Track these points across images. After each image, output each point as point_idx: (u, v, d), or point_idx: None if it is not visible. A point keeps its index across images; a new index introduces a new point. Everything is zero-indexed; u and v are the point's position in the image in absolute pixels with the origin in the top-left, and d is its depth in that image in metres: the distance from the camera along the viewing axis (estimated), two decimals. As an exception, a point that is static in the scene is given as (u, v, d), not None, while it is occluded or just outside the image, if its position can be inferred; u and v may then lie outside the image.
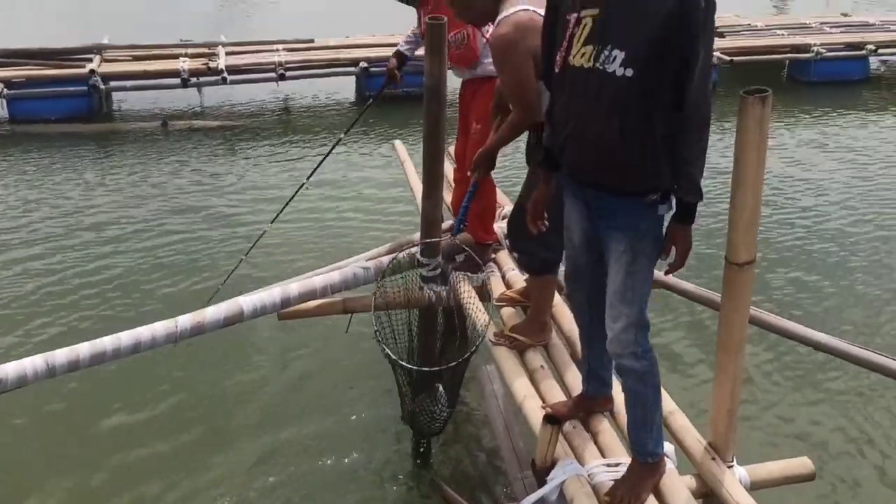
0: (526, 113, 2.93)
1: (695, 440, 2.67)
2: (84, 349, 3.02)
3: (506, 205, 4.49)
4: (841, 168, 8.00)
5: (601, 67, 2.20)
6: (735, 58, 10.12)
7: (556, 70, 2.34)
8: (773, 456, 3.21)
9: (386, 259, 3.75)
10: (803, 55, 10.61)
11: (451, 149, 5.14)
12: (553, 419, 2.47)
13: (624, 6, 2.18)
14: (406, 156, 5.54)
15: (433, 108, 3.38)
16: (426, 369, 3.25)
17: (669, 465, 2.57)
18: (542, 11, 2.81)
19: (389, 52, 9.96)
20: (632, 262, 2.34)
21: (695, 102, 2.16)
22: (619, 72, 2.17)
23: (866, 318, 5.32)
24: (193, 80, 9.53)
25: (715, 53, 10.24)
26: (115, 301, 5.45)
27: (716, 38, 11.91)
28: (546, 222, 2.67)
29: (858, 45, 10.89)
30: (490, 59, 3.83)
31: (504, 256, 4.05)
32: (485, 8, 2.97)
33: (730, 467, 2.57)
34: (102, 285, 5.66)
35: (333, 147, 4.78)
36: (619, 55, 2.17)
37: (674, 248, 2.34)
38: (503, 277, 3.86)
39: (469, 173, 3.37)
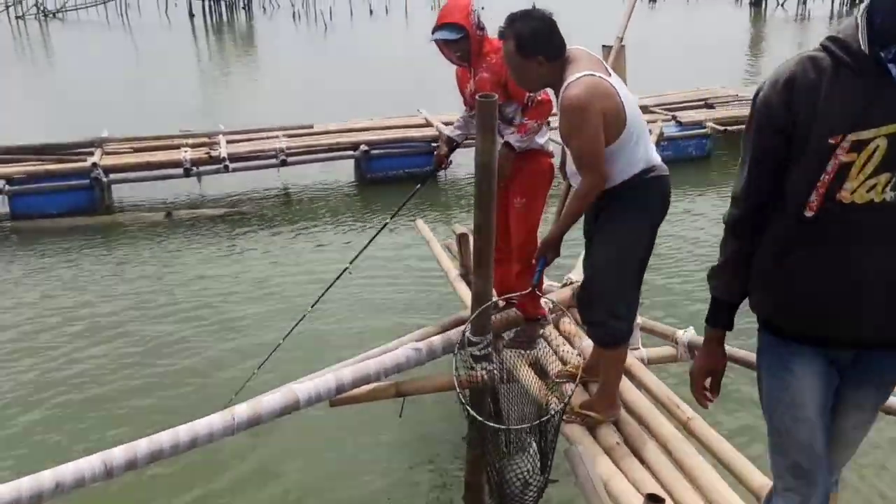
0: (598, 178, 2.87)
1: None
2: (142, 446, 2.89)
3: (546, 280, 4.46)
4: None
5: None
6: (728, 127, 10.29)
7: (809, 213, 1.94)
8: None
9: (437, 339, 3.68)
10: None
11: (456, 226, 5.15)
12: (656, 498, 2.37)
13: None
14: (430, 235, 5.52)
15: (485, 186, 3.33)
16: (516, 427, 3.02)
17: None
18: (607, 78, 2.84)
19: (388, 134, 10.31)
20: (873, 415, 2.16)
21: None
22: None
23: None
24: (195, 169, 9.55)
25: (709, 123, 10.47)
26: (145, 396, 5.28)
27: (706, 109, 11.75)
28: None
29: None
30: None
31: (553, 331, 3.99)
32: (542, 76, 2.97)
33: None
34: (134, 381, 5.47)
35: (379, 232, 4.73)
36: None
37: None
38: (555, 353, 3.80)
39: (534, 261, 3.27)
